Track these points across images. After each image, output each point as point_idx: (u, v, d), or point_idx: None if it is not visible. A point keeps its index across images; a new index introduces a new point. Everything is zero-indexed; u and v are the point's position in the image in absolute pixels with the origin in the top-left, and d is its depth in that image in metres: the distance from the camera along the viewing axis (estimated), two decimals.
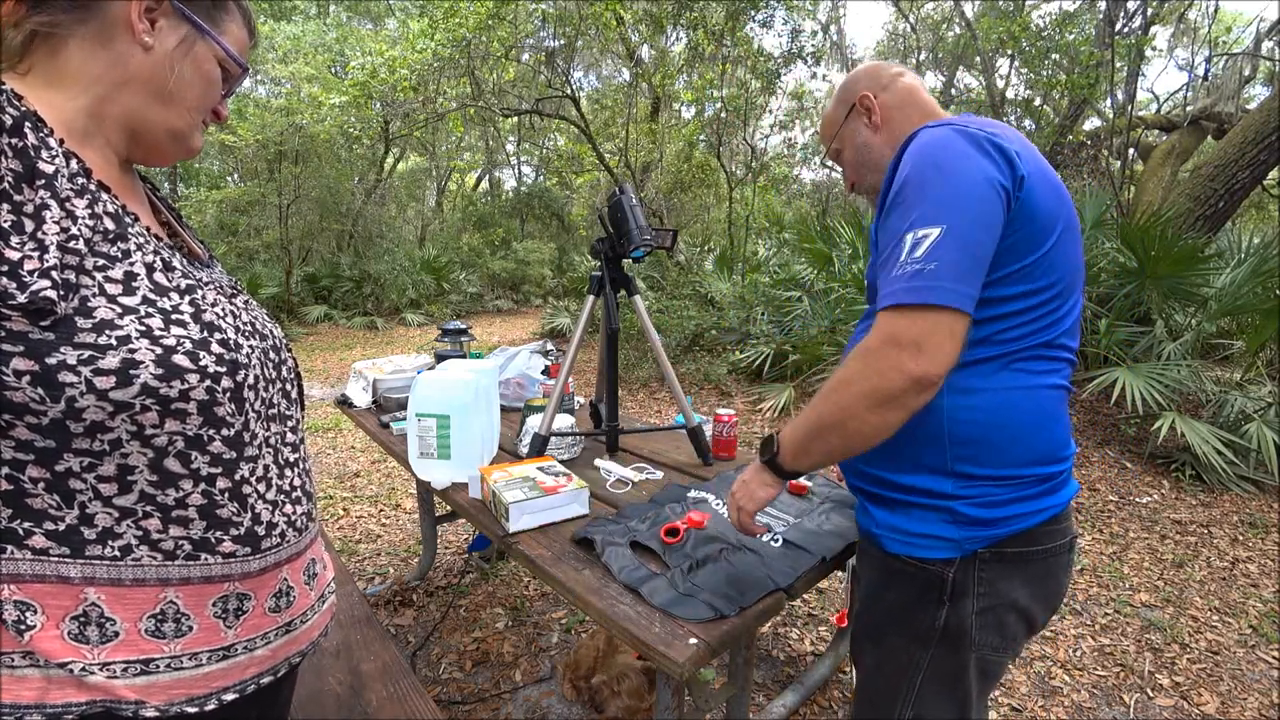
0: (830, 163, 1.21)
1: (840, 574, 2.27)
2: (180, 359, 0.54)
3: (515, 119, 10.89)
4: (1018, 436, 0.84)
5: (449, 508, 2.23)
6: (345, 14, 12.82)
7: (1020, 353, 0.84)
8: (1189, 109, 6.71)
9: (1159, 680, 1.94)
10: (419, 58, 6.90)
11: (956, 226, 0.75)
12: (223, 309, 0.62)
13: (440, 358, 2.18)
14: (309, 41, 10.23)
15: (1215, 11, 8.15)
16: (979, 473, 0.84)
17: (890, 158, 0.94)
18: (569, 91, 8.73)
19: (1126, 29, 6.39)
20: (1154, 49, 7.98)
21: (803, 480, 1.40)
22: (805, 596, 2.36)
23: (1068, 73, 6.60)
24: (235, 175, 12.59)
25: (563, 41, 8.42)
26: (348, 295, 11.54)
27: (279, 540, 0.65)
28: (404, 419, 1.89)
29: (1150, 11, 6.20)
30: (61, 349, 0.49)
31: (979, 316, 0.80)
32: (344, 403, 2.20)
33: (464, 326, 2.35)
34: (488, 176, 18.45)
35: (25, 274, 0.47)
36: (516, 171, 18.35)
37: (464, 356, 2.19)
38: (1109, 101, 6.51)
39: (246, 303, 0.71)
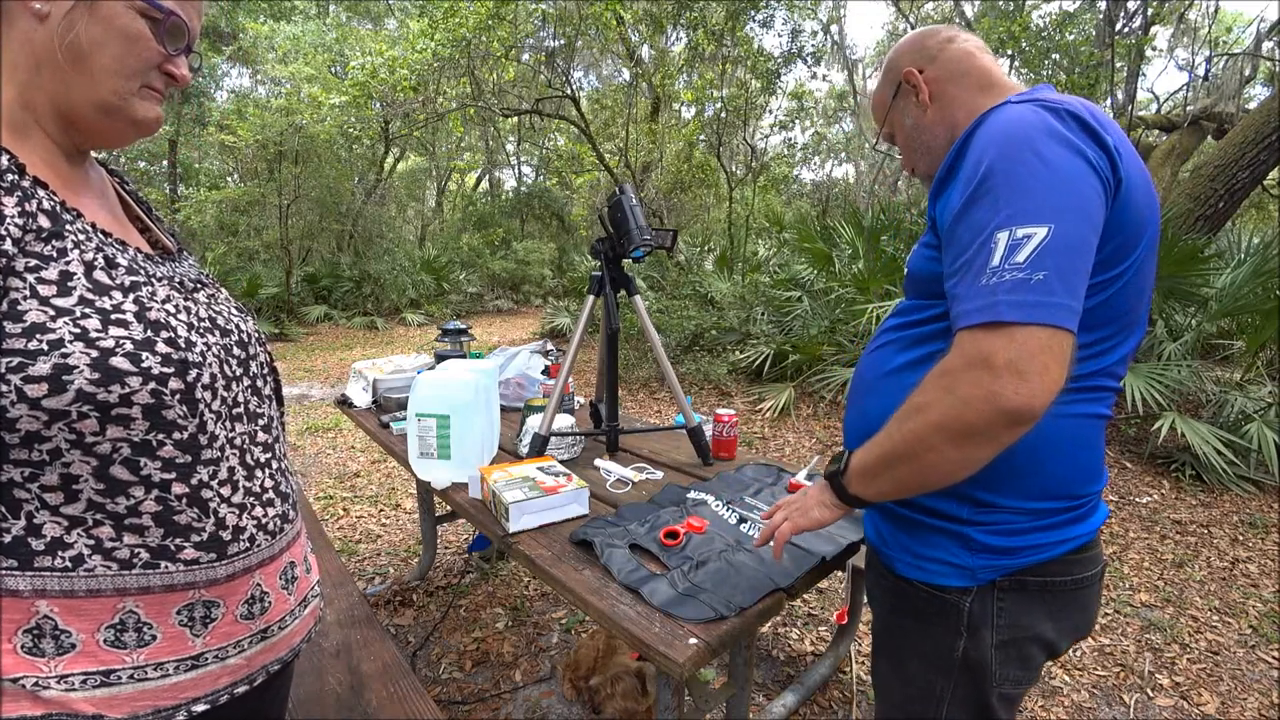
0: (884, 146, 1.03)
1: (840, 574, 2.27)
2: (119, 361, 0.51)
3: (515, 119, 10.90)
4: (1048, 468, 0.76)
5: (449, 508, 2.22)
6: (345, 14, 12.83)
7: (1075, 379, 0.71)
8: (1189, 109, 6.71)
9: (1159, 680, 1.94)
10: (419, 58, 6.90)
11: (1065, 227, 0.62)
12: (175, 305, 0.59)
13: (440, 358, 2.18)
14: (309, 41, 10.23)
15: (1215, 11, 8.16)
16: (999, 502, 0.76)
17: (944, 137, 0.87)
18: (569, 91, 8.74)
19: (1126, 29, 6.40)
20: (1154, 49, 7.99)
21: (801, 480, 1.40)
22: (805, 596, 2.36)
23: (1068, 73, 6.59)
24: (235, 175, 12.60)
25: (563, 41, 8.42)
26: (348, 295, 11.54)
27: (248, 545, 0.62)
28: (404, 419, 1.89)
29: (1150, 11, 6.20)
30: None
31: None
32: (344, 403, 2.20)
33: (464, 326, 2.34)
34: (488, 176, 18.45)
35: None
36: (516, 171, 18.36)
37: (464, 356, 2.18)
38: (1109, 101, 6.51)
39: (210, 297, 0.67)
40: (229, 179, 12.52)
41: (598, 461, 1.59)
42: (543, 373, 2.14)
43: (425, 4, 8.17)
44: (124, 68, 0.57)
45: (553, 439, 1.57)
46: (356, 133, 8.57)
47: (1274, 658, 2.03)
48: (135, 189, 0.73)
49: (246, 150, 10.44)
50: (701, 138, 8.74)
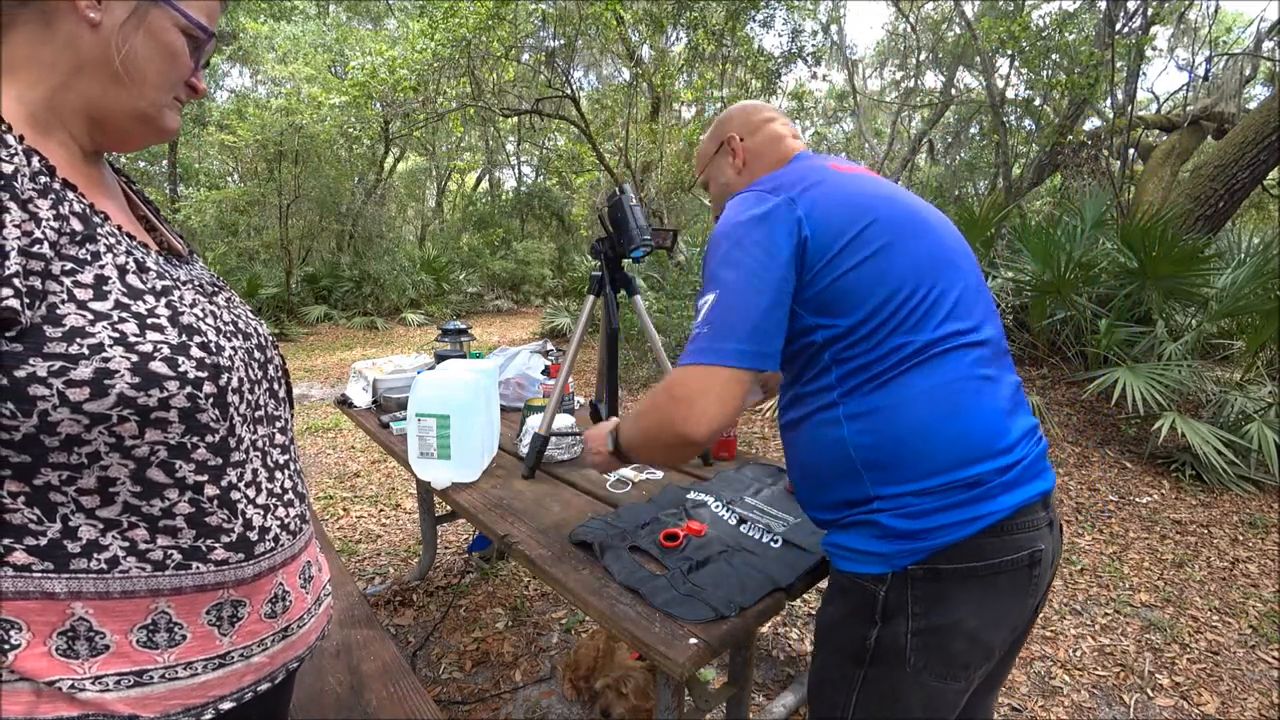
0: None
1: None
2: (158, 366, 0.52)
3: (515, 119, 10.89)
4: (924, 444, 0.81)
5: (449, 508, 2.23)
6: (345, 14, 12.83)
7: (900, 363, 0.82)
8: (1189, 109, 6.71)
9: (1159, 680, 1.94)
10: (419, 58, 6.90)
11: (726, 290, 0.83)
12: (202, 309, 0.60)
13: (440, 358, 2.18)
14: (309, 41, 10.23)
15: (1215, 11, 8.16)
16: (898, 490, 0.81)
17: None
18: (569, 91, 8.73)
19: (1126, 29, 6.39)
20: (1154, 49, 7.98)
21: None
22: (805, 596, 2.36)
23: (1068, 73, 6.60)
24: (235, 175, 12.60)
25: (563, 41, 8.42)
26: (348, 295, 11.54)
27: (273, 545, 0.63)
28: (404, 419, 1.89)
29: (1150, 11, 6.19)
30: (30, 360, 0.47)
31: (835, 352, 0.84)
32: (344, 403, 2.20)
33: (464, 326, 2.34)
34: (488, 176, 18.45)
35: None
36: (516, 171, 18.36)
37: (464, 356, 2.18)
38: (1109, 101, 6.51)
39: (229, 300, 0.68)
40: (229, 179, 12.52)
41: None
42: (543, 373, 2.14)
43: (425, 4, 8.17)
44: (164, 81, 0.59)
45: (553, 439, 1.57)
46: (356, 133, 8.57)
47: (1274, 658, 2.03)
48: (141, 189, 0.72)
49: (246, 150, 10.45)
50: (701, 137, 8.72)
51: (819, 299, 0.84)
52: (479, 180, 18.87)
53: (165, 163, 11.61)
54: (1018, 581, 0.82)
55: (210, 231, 10.81)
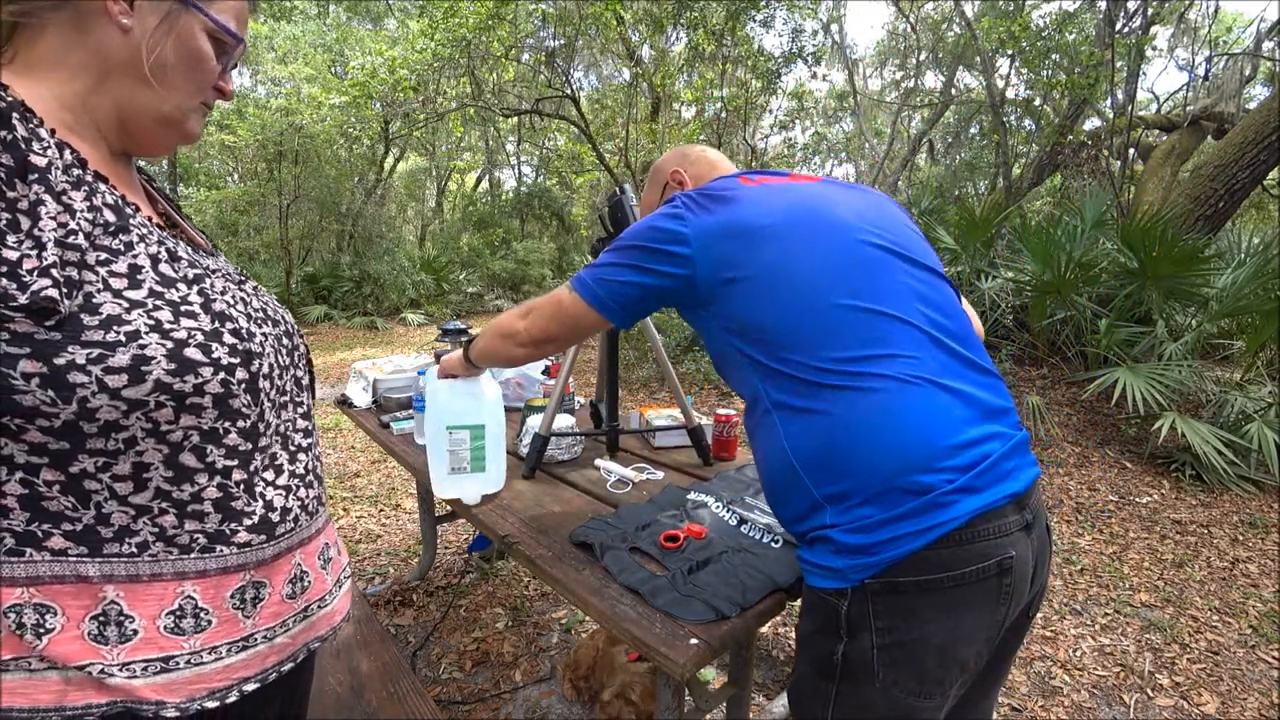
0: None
1: None
2: (192, 352, 0.53)
3: (515, 119, 10.89)
4: (862, 452, 0.78)
5: (449, 508, 2.22)
6: (345, 14, 12.83)
7: (820, 372, 0.81)
8: (1189, 109, 6.71)
9: (1159, 680, 1.94)
10: (419, 58, 6.90)
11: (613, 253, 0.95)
12: (233, 296, 0.61)
13: (440, 358, 2.17)
14: (309, 41, 10.24)
15: (1215, 11, 8.16)
16: (846, 490, 0.79)
17: None
18: (569, 91, 8.73)
19: (1126, 29, 6.39)
20: (1154, 49, 7.97)
21: None
22: None
23: (1068, 73, 6.59)
24: (235, 175, 12.60)
25: (563, 41, 8.41)
26: (348, 295, 11.54)
27: (293, 525, 0.65)
28: (404, 419, 1.89)
29: (1150, 11, 6.19)
30: (69, 348, 0.48)
31: (757, 365, 0.86)
32: (344, 403, 2.20)
33: (464, 326, 2.34)
34: (488, 176, 18.45)
35: (25, 274, 0.46)
36: (516, 171, 18.36)
37: None
38: (1109, 101, 6.51)
39: (255, 289, 0.68)
40: (229, 179, 12.52)
41: (598, 461, 1.59)
42: (543, 373, 2.14)
43: (425, 4, 8.16)
44: (190, 85, 0.60)
45: (553, 439, 1.57)
46: (356, 133, 8.57)
47: (1274, 658, 2.03)
48: (162, 187, 0.73)
49: (246, 150, 10.46)
50: (702, 138, 8.73)
51: (728, 314, 0.88)
52: (479, 180, 18.87)
53: (165, 162, 11.59)
54: (986, 592, 0.77)
55: (210, 231, 10.81)
